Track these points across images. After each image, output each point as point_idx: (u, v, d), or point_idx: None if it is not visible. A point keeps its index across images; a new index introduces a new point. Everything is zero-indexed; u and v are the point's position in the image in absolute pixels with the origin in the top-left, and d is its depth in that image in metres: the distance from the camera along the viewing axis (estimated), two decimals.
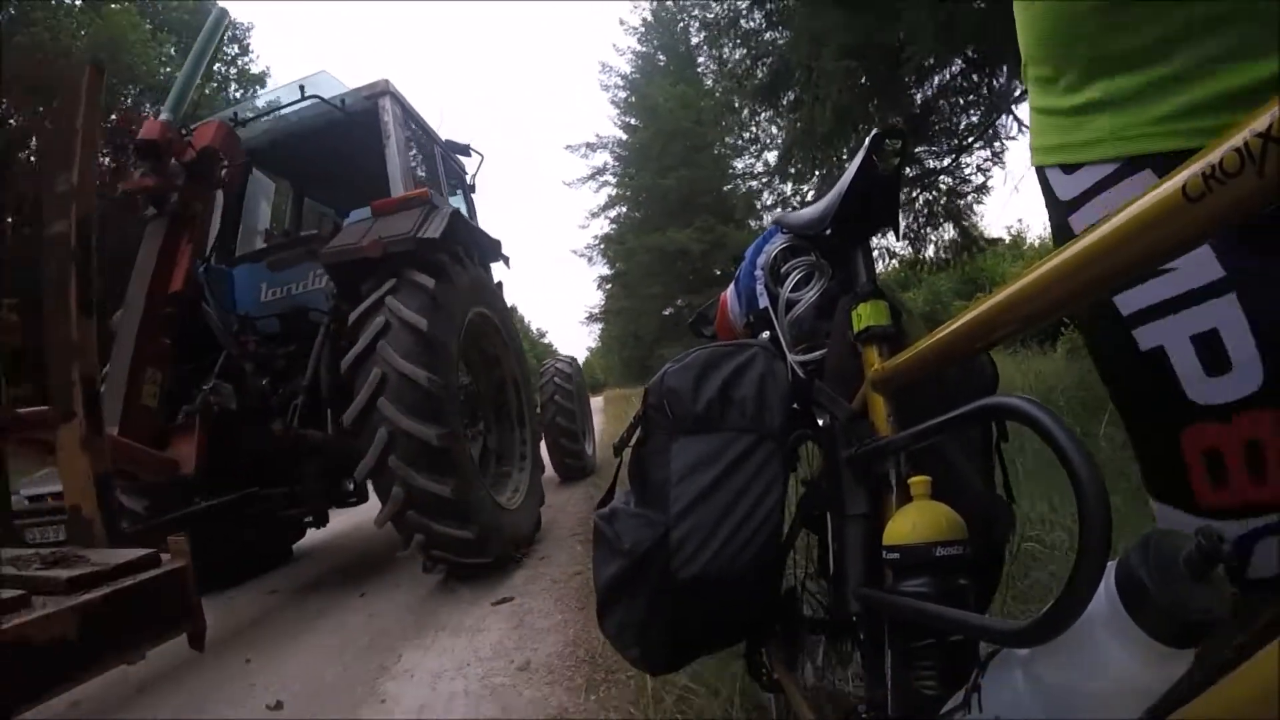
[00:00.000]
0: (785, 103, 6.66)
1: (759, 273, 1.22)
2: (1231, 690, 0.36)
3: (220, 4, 3.37)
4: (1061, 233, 0.84)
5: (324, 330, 3.56)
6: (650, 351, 21.84)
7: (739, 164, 19.45)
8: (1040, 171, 0.87)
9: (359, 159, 4.20)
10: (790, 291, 1.16)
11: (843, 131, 5.96)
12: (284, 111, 3.97)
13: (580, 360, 6.79)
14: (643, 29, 20.74)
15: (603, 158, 23.97)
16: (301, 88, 3.79)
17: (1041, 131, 0.86)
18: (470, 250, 3.96)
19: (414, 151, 4.11)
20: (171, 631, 1.64)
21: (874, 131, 0.90)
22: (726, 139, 16.11)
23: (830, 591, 1.04)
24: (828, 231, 1.04)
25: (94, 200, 1.96)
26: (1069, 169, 0.82)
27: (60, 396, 2.04)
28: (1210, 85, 0.71)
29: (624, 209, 24.09)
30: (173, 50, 19.25)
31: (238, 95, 20.81)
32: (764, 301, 1.21)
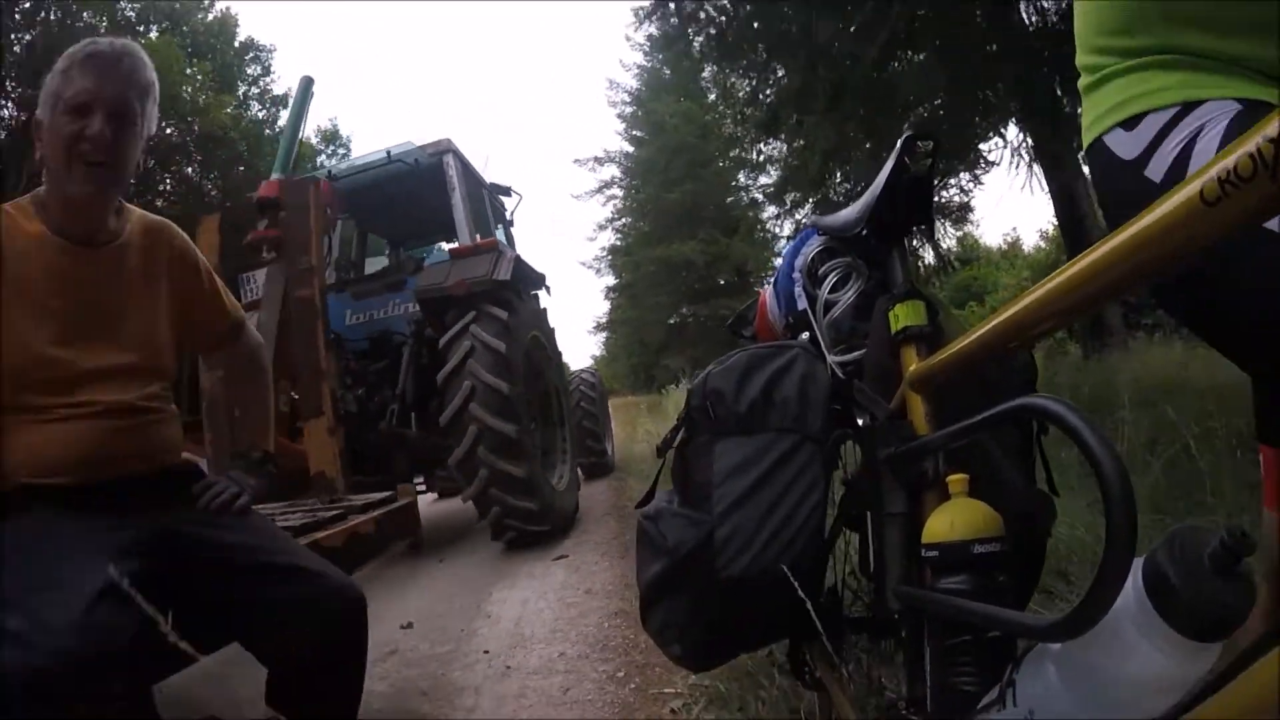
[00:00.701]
0: (781, 137, 7.12)
1: (797, 275, 1.23)
2: (1247, 688, 0.37)
3: (305, 75, 4.11)
4: (1136, 194, 0.79)
5: (409, 350, 4.42)
6: (656, 360, 22.53)
7: (742, 177, 20.37)
8: (1095, 147, 0.87)
9: (415, 201, 4.96)
10: (828, 293, 1.17)
11: (829, 170, 6.55)
12: (363, 167, 4.76)
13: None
14: (647, 44, 20.50)
15: (610, 171, 24.52)
16: (389, 153, 4.61)
17: (1098, 103, 0.87)
18: (528, 286, 4.86)
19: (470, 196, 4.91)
20: (408, 537, 2.59)
21: (906, 134, 0.91)
22: (731, 152, 16.50)
23: (871, 590, 1.05)
24: (863, 233, 1.04)
25: (325, 272, 2.64)
26: (1131, 123, 0.82)
27: (310, 401, 3.17)
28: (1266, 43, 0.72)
29: (630, 220, 24.68)
30: (203, 74, 20.04)
31: (260, 115, 21.71)
32: (802, 303, 1.22)
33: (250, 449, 1.55)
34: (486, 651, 2.51)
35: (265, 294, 3.04)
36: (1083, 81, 0.91)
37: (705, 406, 1.07)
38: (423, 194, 4.86)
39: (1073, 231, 6.42)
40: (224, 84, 21.11)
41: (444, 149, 4.73)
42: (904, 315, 0.95)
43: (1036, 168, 6.57)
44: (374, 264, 5.61)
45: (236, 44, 22.94)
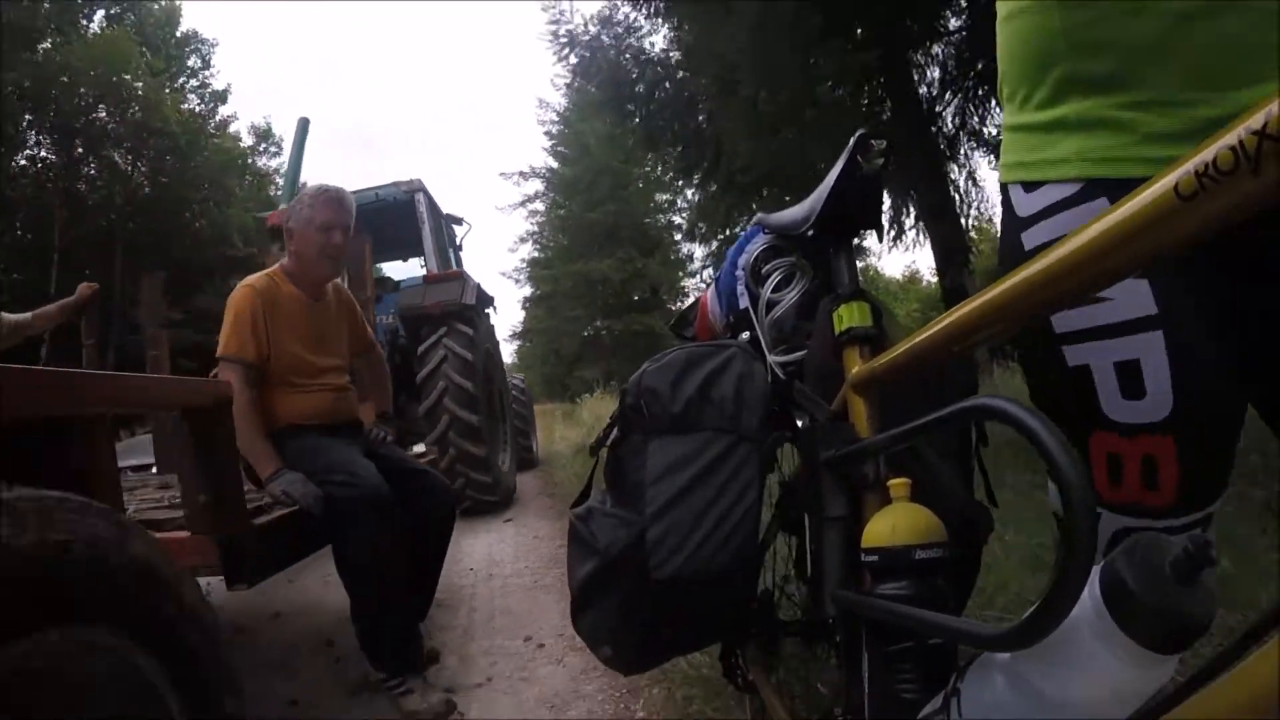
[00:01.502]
0: (696, 179, 7.85)
1: (740, 273, 1.21)
2: (1226, 692, 0.36)
3: (302, 116, 5.19)
4: (1013, 249, 0.85)
5: (386, 354, 5.01)
6: (569, 370, 23.56)
7: (660, 197, 21.52)
8: (1004, 189, 0.89)
9: (388, 226, 5.92)
10: (771, 292, 1.15)
11: (744, 205, 7.16)
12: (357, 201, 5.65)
13: None
14: (578, 64, 21.11)
15: (534, 186, 25.36)
16: (377, 194, 5.69)
17: (1010, 149, 0.88)
18: (483, 306, 5.98)
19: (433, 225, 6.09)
20: None
21: (859, 132, 0.89)
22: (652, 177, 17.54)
23: (807, 594, 1.04)
24: (810, 232, 1.03)
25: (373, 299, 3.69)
26: (1030, 187, 0.83)
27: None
28: (1176, 114, 0.73)
29: (551, 234, 25.64)
30: (154, 65, 20.49)
31: (199, 108, 22.53)
32: (744, 302, 1.20)
33: (384, 412, 2.67)
34: (472, 569, 3.64)
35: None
36: (1004, 118, 0.92)
37: (639, 405, 1.04)
38: (395, 221, 5.91)
39: (950, 274, 6.95)
40: (168, 75, 21.39)
41: (416, 188, 5.83)
42: (848, 316, 0.93)
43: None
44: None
45: (179, 34, 23.22)
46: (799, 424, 1.02)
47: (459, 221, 6.82)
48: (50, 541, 0.81)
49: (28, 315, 3.43)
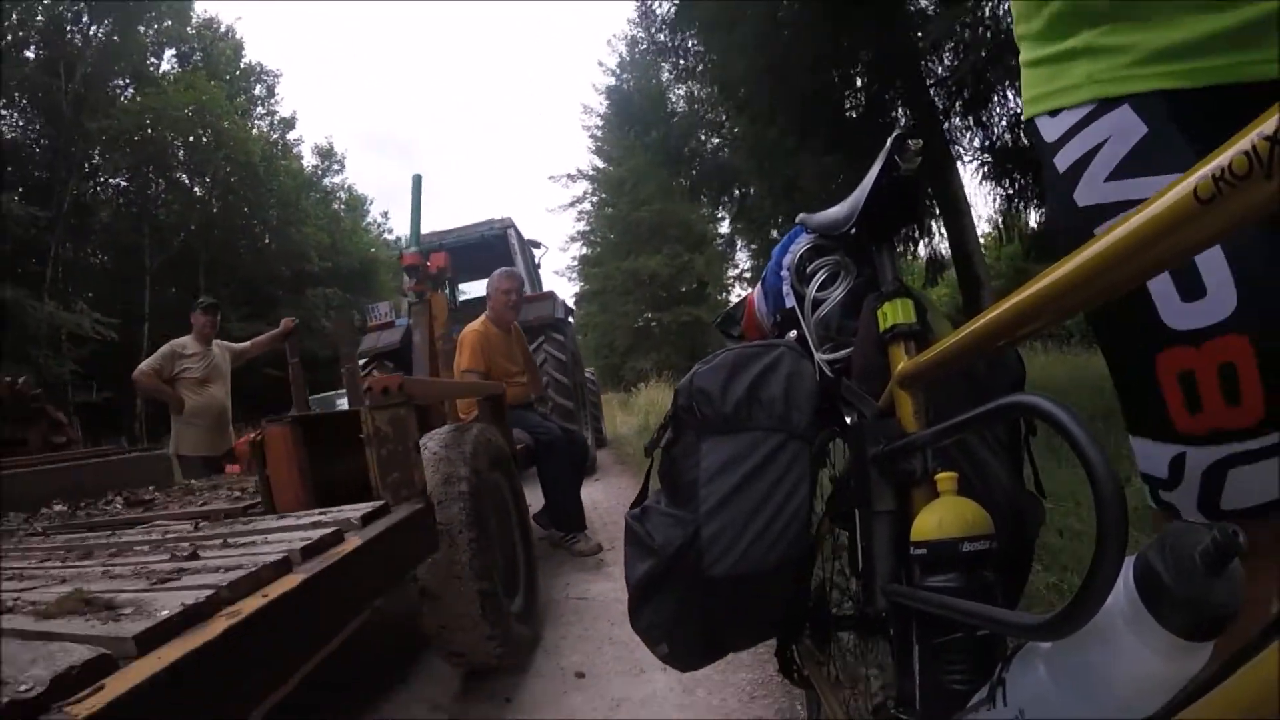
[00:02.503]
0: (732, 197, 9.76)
1: (785, 272, 1.23)
2: (1241, 686, 0.37)
3: (416, 173, 5.62)
4: (1050, 171, 0.89)
5: None
6: (623, 361, 24.58)
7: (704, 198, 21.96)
8: (1030, 123, 0.93)
9: (483, 255, 7.47)
10: (816, 291, 1.17)
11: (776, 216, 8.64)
12: (460, 236, 7.64)
13: None
14: (617, 69, 22.03)
15: (582, 187, 26.92)
16: (482, 235, 7.65)
17: (1030, 84, 0.92)
18: (568, 317, 7.69)
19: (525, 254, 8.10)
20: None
21: (895, 133, 0.90)
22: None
23: (859, 588, 1.05)
24: (852, 231, 1.04)
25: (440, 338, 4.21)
26: (1053, 114, 0.88)
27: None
28: (1175, 32, 0.77)
29: (600, 233, 27.08)
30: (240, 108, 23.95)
31: (274, 136, 25.51)
32: (790, 301, 1.21)
33: (539, 396, 4.66)
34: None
35: (415, 324, 4.74)
36: (1020, 57, 0.96)
37: (691, 406, 1.07)
38: (490, 249, 7.57)
39: (966, 268, 7.68)
40: (241, 109, 24.28)
41: (507, 224, 7.76)
42: (893, 313, 0.95)
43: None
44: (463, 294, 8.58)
45: (243, 65, 25.87)
46: (847, 420, 1.03)
47: (537, 245, 8.64)
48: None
49: (247, 344, 4.91)
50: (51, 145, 18.83)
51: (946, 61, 7.19)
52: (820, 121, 6.94)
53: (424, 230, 5.69)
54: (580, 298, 27.39)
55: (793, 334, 1.23)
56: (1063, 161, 0.86)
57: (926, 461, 0.86)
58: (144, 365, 4.43)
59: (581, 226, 27.51)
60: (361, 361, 6.40)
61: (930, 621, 0.77)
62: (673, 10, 8.12)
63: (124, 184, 21.50)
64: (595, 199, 26.50)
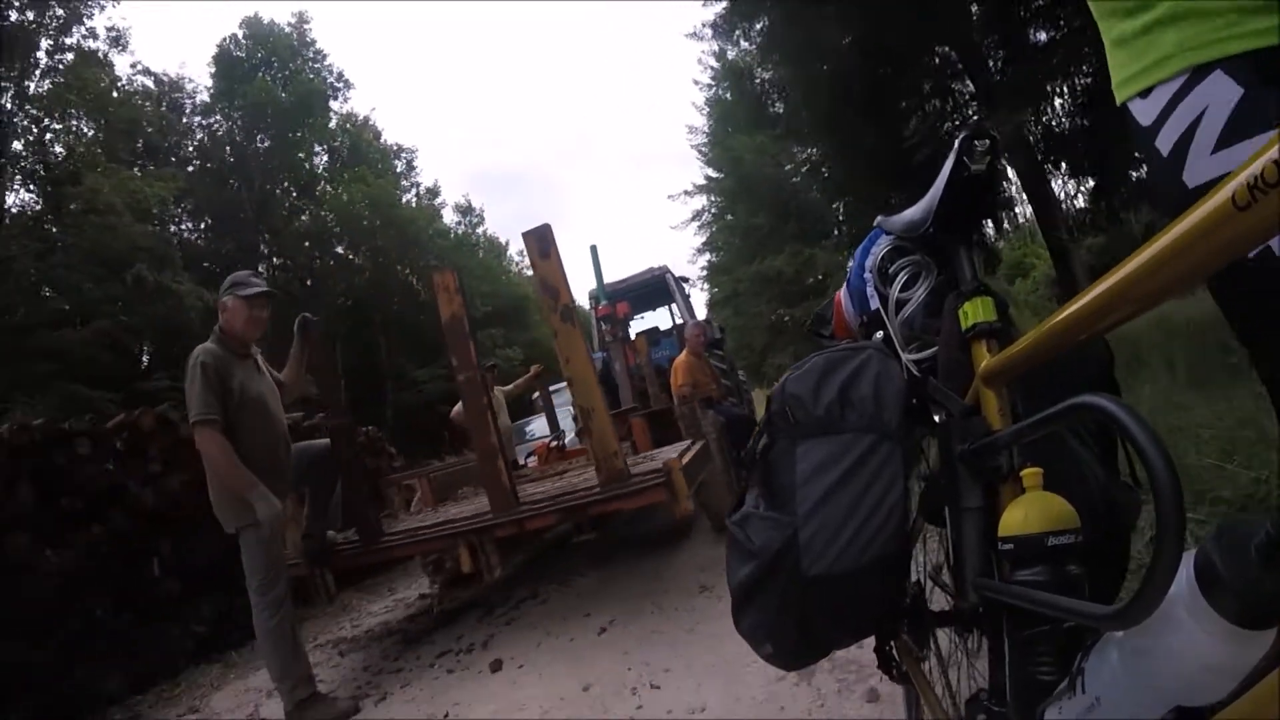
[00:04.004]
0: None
1: (868, 275, 1.25)
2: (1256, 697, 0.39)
3: (592, 244, 9.34)
4: (1153, 157, 0.85)
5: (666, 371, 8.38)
6: (763, 359, 25.45)
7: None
8: (1125, 109, 0.89)
9: (647, 295, 10.82)
10: (899, 292, 1.18)
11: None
12: (630, 283, 10.51)
13: None
14: (712, 82, 23.50)
15: (700, 201, 27.96)
16: (647, 280, 10.62)
17: (1117, 66, 0.88)
18: (722, 335, 9.93)
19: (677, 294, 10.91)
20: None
21: (962, 134, 0.91)
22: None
23: (954, 584, 1.06)
24: (930, 231, 1.06)
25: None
26: (1145, 93, 0.84)
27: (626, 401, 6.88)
28: None
29: (724, 241, 28.38)
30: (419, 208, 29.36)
31: (420, 204, 30.03)
32: (875, 303, 1.23)
33: (720, 395, 6.85)
34: None
35: (614, 356, 7.29)
36: (1105, 40, 0.92)
37: (785, 411, 1.10)
38: (652, 290, 10.73)
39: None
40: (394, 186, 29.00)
41: (665, 270, 10.78)
42: (973, 312, 0.96)
43: None
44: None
45: (383, 145, 30.08)
46: (936, 419, 1.05)
47: (687, 280, 11.96)
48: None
49: (509, 387, 7.26)
50: (239, 246, 23.29)
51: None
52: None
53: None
54: (712, 303, 28.64)
55: (879, 335, 1.25)
56: (1165, 143, 0.82)
57: (1012, 458, 0.87)
58: (456, 409, 6.64)
59: (704, 237, 28.97)
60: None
61: (1019, 615, 0.78)
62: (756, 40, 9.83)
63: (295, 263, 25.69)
64: (713, 210, 27.80)
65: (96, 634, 4.15)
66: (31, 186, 18.66)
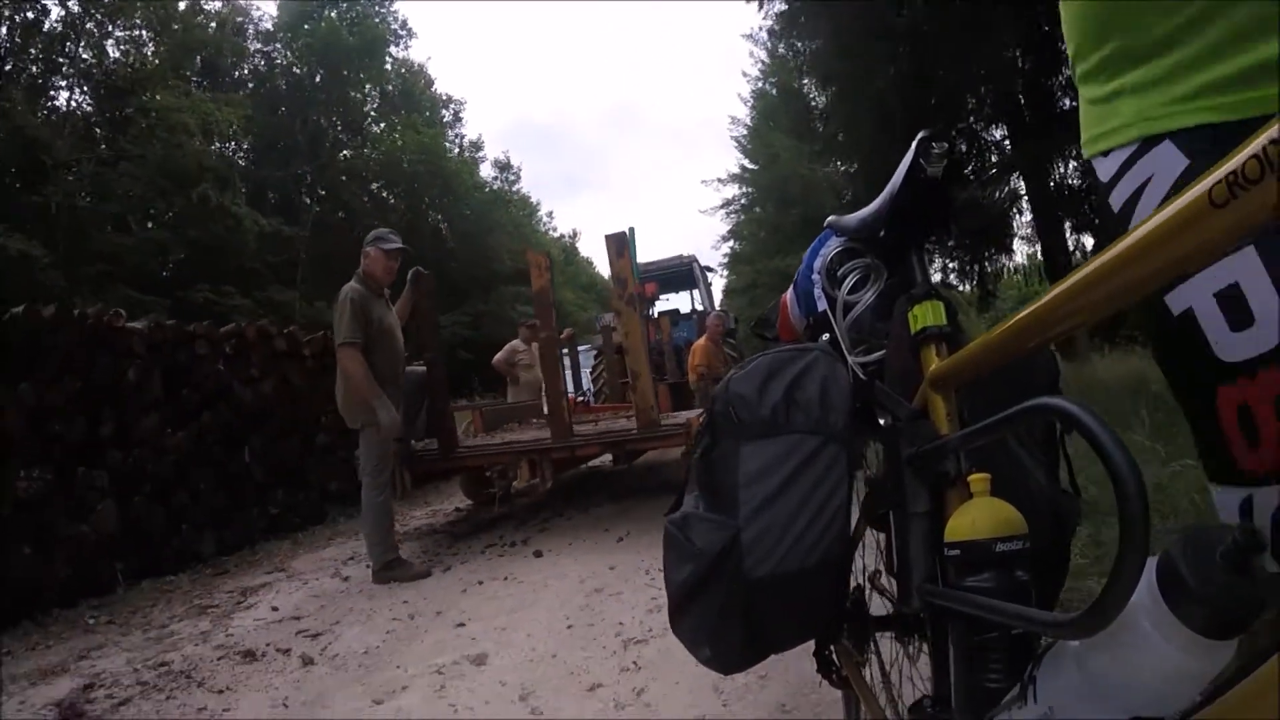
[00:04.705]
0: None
1: (816, 276, 1.23)
2: (1239, 697, 0.38)
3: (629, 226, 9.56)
4: (1102, 211, 0.91)
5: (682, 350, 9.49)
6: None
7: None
8: (1089, 162, 0.93)
9: (673, 279, 12.02)
10: (847, 294, 1.17)
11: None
12: (662, 267, 11.81)
13: None
14: (760, 75, 24.43)
15: (732, 190, 28.90)
16: (677, 265, 12.03)
17: (1086, 124, 0.92)
18: (735, 324, 10.64)
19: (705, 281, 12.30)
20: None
21: (920, 135, 0.91)
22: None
23: (896, 589, 1.05)
24: (881, 234, 1.05)
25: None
26: (1105, 154, 0.88)
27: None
28: (1217, 68, 0.77)
29: (751, 231, 29.21)
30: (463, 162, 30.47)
31: (464, 156, 30.93)
32: (822, 304, 1.22)
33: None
34: None
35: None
36: (1081, 99, 0.97)
37: (729, 411, 1.07)
38: (678, 274, 11.80)
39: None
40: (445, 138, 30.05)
41: (692, 259, 11.95)
42: (923, 316, 0.95)
43: None
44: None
45: (433, 94, 30.72)
46: (882, 423, 1.04)
47: (711, 270, 13.31)
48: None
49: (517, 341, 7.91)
50: (294, 178, 24.54)
51: None
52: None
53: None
54: (729, 290, 29.48)
55: (825, 337, 1.23)
56: (1116, 201, 0.86)
57: (960, 463, 0.86)
58: (498, 357, 7.86)
59: (732, 226, 30.03)
60: (596, 353, 10.61)
61: (965, 621, 0.77)
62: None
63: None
64: (745, 200, 28.58)
65: (198, 505, 5.11)
66: (86, 91, 19.09)
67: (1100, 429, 0.48)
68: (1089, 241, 10.34)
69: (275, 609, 3.73)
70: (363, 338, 3.90)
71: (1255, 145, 0.39)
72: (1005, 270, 11.34)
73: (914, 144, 0.91)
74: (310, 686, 2.59)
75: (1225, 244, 0.43)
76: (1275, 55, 0.73)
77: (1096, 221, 8.86)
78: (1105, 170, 0.88)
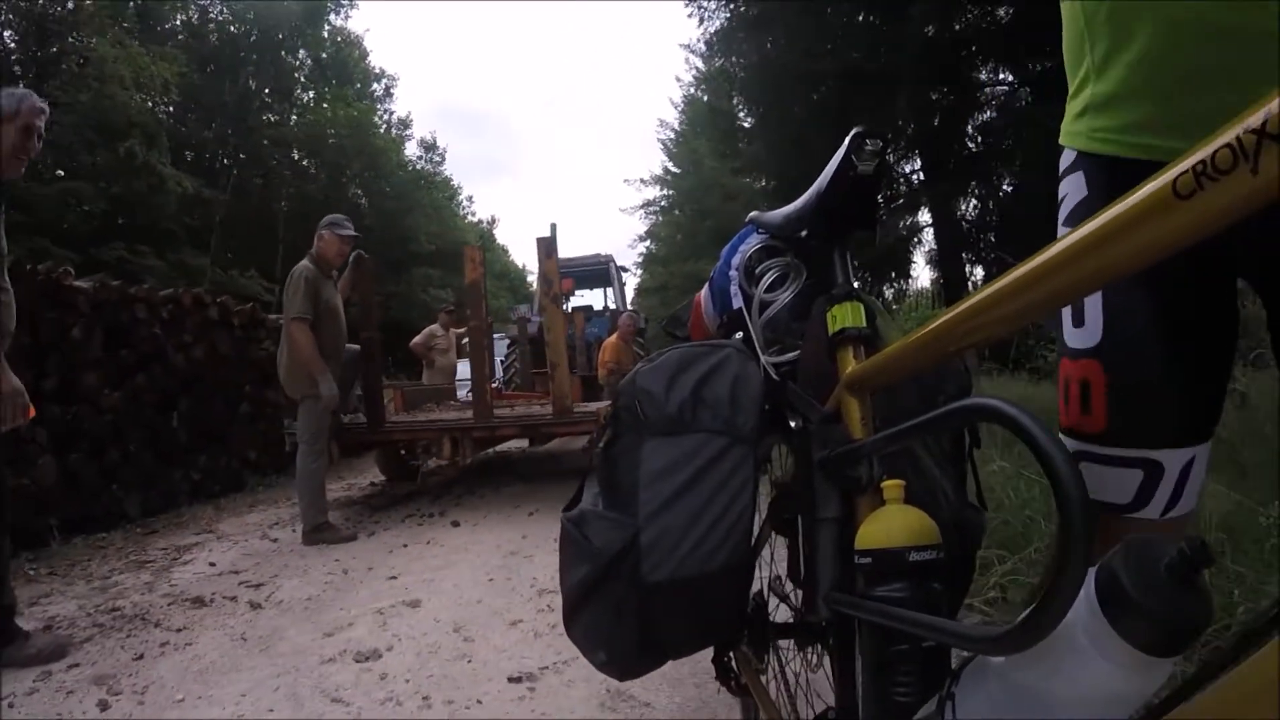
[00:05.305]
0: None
1: (734, 273, 1.20)
2: (1229, 690, 0.35)
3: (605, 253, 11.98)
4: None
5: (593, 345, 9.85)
6: None
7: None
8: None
9: (589, 277, 12.45)
10: (765, 292, 1.14)
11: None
12: (579, 264, 11.62)
13: None
14: (693, 81, 24.54)
15: (653, 191, 28.98)
16: (597, 262, 12.12)
17: (1067, 117, 0.94)
18: (646, 322, 10.73)
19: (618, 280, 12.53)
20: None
21: (854, 130, 0.88)
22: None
23: (800, 596, 1.03)
24: (804, 232, 1.02)
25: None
26: (1064, 149, 0.93)
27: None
28: (1132, 110, 0.81)
29: (666, 233, 29.37)
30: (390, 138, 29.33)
31: (392, 134, 29.76)
32: (738, 302, 1.19)
33: None
34: None
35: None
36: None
37: (633, 405, 1.02)
38: (594, 272, 11.88)
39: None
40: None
41: (609, 259, 12.01)
42: (842, 316, 0.93)
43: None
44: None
45: (365, 67, 29.29)
46: (792, 425, 1.01)
47: (626, 270, 13.36)
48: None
49: (462, 330, 7.99)
50: (218, 139, 23.43)
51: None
52: None
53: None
54: (641, 289, 29.29)
55: (739, 335, 1.20)
56: (1060, 193, 0.93)
57: (873, 468, 0.84)
58: (417, 340, 8.52)
59: (650, 226, 30.07)
60: (509, 342, 10.74)
61: (874, 631, 0.75)
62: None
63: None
64: (665, 202, 28.78)
65: (129, 465, 5.18)
66: (14, 27, 17.91)
67: (1040, 431, 0.46)
68: (980, 273, 11.14)
69: (213, 564, 3.90)
70: (312, 315, 4.19)
71: (1229, 134, 0.36)
72: (905, 294, 12.00)
73: (847, 139, 0.89)
74: (263, 624, 2.83)
75: (1185, 241, 0.40)
76: (1223, 105, 0.74)
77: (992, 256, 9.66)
78: (1062, 165, 0.93)
